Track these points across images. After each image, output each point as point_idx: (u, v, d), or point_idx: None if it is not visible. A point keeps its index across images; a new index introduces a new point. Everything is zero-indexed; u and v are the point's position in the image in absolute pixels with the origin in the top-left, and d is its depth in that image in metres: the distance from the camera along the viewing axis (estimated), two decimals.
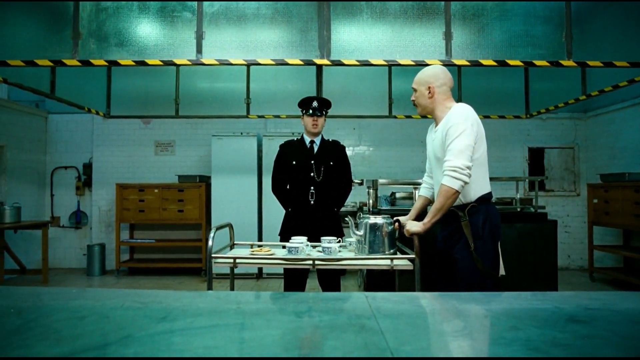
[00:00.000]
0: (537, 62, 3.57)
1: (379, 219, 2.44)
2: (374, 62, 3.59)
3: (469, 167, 2.12)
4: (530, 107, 5.59)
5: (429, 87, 2.32)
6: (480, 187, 2.23)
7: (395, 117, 5.45)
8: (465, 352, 0.87)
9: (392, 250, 2.44)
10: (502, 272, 2.25)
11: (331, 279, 3.19)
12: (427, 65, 3.56)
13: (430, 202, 2.60)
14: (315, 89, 4.95)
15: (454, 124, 2.16)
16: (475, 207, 2.21)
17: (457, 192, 2.15)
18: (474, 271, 2.16)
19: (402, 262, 2.36)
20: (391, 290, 3.46)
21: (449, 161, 2.14)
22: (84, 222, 7.05)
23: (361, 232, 2.45)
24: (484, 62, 3.58)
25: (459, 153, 2.12)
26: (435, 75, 2.34)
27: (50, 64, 3.55)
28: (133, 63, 3.57)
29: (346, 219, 2.70)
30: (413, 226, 2.33)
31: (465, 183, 2.13)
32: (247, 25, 3.61)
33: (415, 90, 2.40)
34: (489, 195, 2.26)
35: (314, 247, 2.70)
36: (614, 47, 3.64)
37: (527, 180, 6.84)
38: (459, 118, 2.17)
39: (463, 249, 2.20)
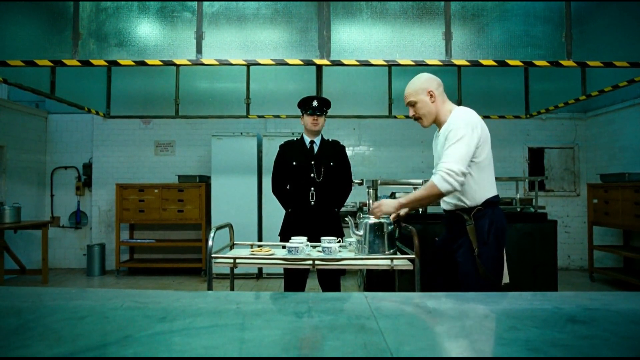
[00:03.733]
0: (537, 62, 3.57)
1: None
2: (374, 62, 3.59)
3: (464, 174, 2.07)
4: (530, 107, 5.59)
5: (430, 92, 2.26)
6: (486, 190, 2.18)
7: (395, 117, 5.45)
8: (465, 353, 0.87)
9: (392, 250, 2.44)
10: (505, 280, 2.19)
11: (331, 279, 3.19)
12: (427, 65, 3.59)
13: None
14: (315, 89, 4.95)
15: (453, 128, 2.13)
16: (482, 211, 2.15)
17: (442, 194, 2.11)
18: (476, 277, 2.11)
19: (402, 262, 2.36)
20: (391, 290, 3.46)
21: (446, 163, 2.09)
22: (84, 222, 7.05)
23: (361, 232, 2.44)
24: (484, 62, 3.58)
25: (458, 158, 2.07)
26: (429, 79, 2.30)
27: (50, 64, 3.55)
28: (133, 63, 3.57)
29: (346, 219, 2.70)
30: (387, 206, 2.29)
31: (455, 189, 2.08)
32: (247, 25, 3.61)
33: (414, 103, 2.30)
34: (495, 199, 2.20)
35: (314, 247, 2.70)
36: (614, 47, 3.64)
37: (527, 180, 6.84)
38: (459, 123, 2.13)
39: (466, 253, 2.15)
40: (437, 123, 2.32)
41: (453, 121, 2.16)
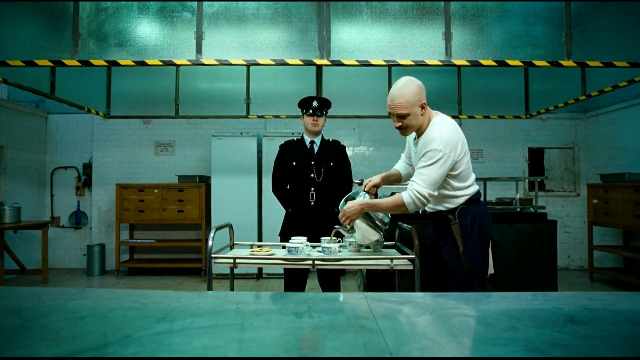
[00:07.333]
0: (537, 62, 3.57)
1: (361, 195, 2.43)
2: (373, 62, 3.59)
3: (432, 196, 2.13)
4: (530, 107, 5.59)
5: (423, 104, 2.18)
6: (467, 191, 2.22)
7: None
8: (464, 352, 0.87)
9: (383, 216, 2.42)
10: (491, 270, 2.24)
11: (331, 279, 3.19)
12: (427, 65, 3.58)
13: (400, 178, 2.60)
14: (315, 89, 4.95)
15: (432, 149, 2.08)
16: (465, 209, 2.20)
17: (407, 211, 2.19)
18: (461, 272, 2.16)
19: (402, 262, 2.36)
20: (391, 290, 3.46)
21: (418, 185, 2.10)
22: (84, 222, 7.04)
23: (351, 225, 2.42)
24: (484, 62, 3.58)
25: (430, 183, 2.08)
26: (421, 89, 2.19)
27: (50, 64, 3.55)
28: (133, 63, 3.57)
29: (335, 210, 2.64)
30: (354, 215, 2.29)
31: (420, 209, 2.21)
32: (247, 25, 3.61)
33: (405, 116, 2.16)
34: (477, 195, 2.25)
35: (314, 247, 2.70)
36: (614, 47, 3.64)
37: (527, 180, 6.84)
38: (438, 144, 2.07)
39: (452, 249, 2.21)
40: (417, 131, 2.28)
41: (433, 138, 2.10)
